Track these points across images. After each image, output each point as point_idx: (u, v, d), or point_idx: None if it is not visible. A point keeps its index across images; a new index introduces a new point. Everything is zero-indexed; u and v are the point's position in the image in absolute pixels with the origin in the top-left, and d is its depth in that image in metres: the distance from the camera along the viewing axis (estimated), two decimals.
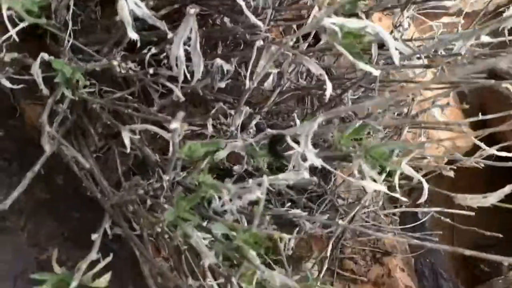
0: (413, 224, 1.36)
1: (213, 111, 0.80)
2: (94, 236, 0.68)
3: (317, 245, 1.28)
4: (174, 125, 0.48)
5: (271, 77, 0.78)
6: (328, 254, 1.02)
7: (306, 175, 0.60)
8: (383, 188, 0.68)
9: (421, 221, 1.39)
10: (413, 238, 1.31)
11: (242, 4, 0.65)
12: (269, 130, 0.66)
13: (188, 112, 1.26)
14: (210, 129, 0.85)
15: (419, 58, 1.01)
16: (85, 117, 0.85)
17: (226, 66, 0.79)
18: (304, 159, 0.67)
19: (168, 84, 0.63)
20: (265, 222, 0.57)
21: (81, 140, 0.82)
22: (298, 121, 0.93)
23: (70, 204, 0.83)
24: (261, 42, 0.82)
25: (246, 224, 0.66)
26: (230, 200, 0.64)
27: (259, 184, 0.59)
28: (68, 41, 0.74)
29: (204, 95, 1.05)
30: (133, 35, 0.63)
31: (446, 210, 1.25)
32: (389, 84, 1.17)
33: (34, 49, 0.93)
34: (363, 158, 0.64)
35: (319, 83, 1.21)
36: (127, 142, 0.65)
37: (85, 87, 0.76)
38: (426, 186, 0.68)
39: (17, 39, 0.59)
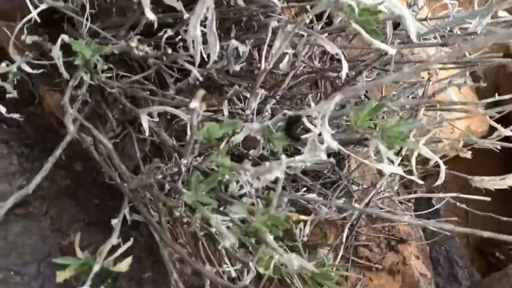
0: (427, 211, 1.35)
1: (228, 94, 0.80)
2: (114, 222, 0.69)
3: (331, 232, 1.28)
4: (194, 104, 0.49)
5: (286, 58, 0.78)
6: (343, 241, 1.02)
7: (323, 156, 0.59)
8: (400, 170, 0.67)
9: (436, 207, 1.39)
10: (428, 226, 1.30)
11: None
12: (285, 111, 0.66)
13: (203, 98, 1.27)
14: (226, 112, 0.85)
15: (434, 38, 1.01)
16: (103, 102, 0.86)
17: (242, 48, 0.79)
18: (321, 141, 0.67)
19: (186, 64, 0.63)
20: (283, 204, 0.56)
21: (99, 126, 0.82)
22: (313, 105, 0.93)
23: (90, 191, 0.84)
24: (276, 23, 0.81)
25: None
26: (249, 182, 0.65)
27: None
28: (86, 25, 0.74)
29: (218, 80, 1.05)
30: (150, 15, 0.63)
31: (461, 195, 1.24)
32: (404, 66, 1.16)
33: (52, 35, 0.94)
34: (380, 139, 0.64)
35: (333, 66, 1.21)
36: (145, 125, 0.65)
37: (102, 71, 0.76)
38: (443, 167, 0.68)
39: (38, 20, 0.60)
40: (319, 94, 1.18)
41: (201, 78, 0.63)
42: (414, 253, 1.42)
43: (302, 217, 0.55)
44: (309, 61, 1.02)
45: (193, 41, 0.66)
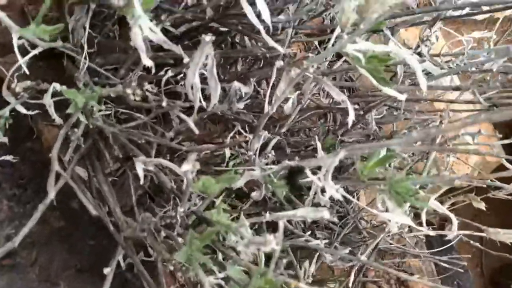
0: (440, 248, 1.30)
1: (228, 138, 0.77)
2: (106, 270, 0.66)
3: (339, 267, 1.23)
4: (186, 167, 0.46)
5: (290, 101, 0.74)
6: (351, 279, 0.98)
7: (326, 214, 0.56)
8: (409, 221, 0.63)
9: (449, 244, 1.33)
10: (440, 262, 1.25)
11: (261, 28, 0.62)
12: (287, 162, 0.62)
13: (208, 130, 1.24)
14: (227, 154, 0.82)
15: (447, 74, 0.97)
16: (101, 140, 0.83)
17: (244, 89, 0.76)
18: (324, 190, 0.64)
19: (183, 116, 0.60)
20: (281, 266, 0.53)
21: (96, 164, 0.80)
22: (319, 144, 0.90)
23: (85, 231, 0.81)
24: (281, 63, 0.78)
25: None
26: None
27: (274, 223, 0.56)
28: (84, 64, 0.72)
29: (223, 114, 1.02)
30: (147, 62, 0.60)
31: (474, 233, 1.19)
32: (416, 102, 1.12)
33: (52, 69, 0.92)
34: (388, 193, 0.60)
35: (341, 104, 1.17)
36: (140, 173, 0.63)
37: (100, 110, 0.74)
38: (455, 222, 0.64)
39: (26, 71, 0.58)
40: (328, 127, 1.14)
41: (197, 131, 0.60)
42: None
43: (301, 285, 0.51)
44: (316, 97, 0.99)
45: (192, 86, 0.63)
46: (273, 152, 0.81)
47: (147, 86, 0.84)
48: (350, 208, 1.20)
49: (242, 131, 0.78)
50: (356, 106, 1.01)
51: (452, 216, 0.65)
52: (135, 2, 0.52)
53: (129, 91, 0.60)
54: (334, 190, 0.61)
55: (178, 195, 0.74)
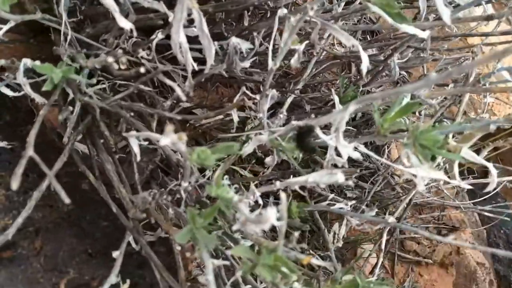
0: (483, 198, 1.20)
1: (235, 101, 0.70)
2: (115, 254, 0.62)
3: (366, 230, 1.16)
4: (164, 141, 0.39)
5: (296, 54, 0.66)
6: (383, 241, 0.91)
7: (341, 178, 0.49)
8: (441, 175, 0.55)
9: (493, 192, 1.23)
10: (483, 211, 1.16)
11: None
12: (294, 122, 0.55)
13: (220, 94, 1.18)
14: (235, 118, 0.75)
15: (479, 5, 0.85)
16: (102, 116, 0.78)
17: (244, 45, 0.68)
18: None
19: (169, 82, 0.54)
20: (294, 241, 0.46)
21: (97, 141, 0.75)
22: (336, 98, 0.81)
23: (96, 213, 0.78)
24: (284, 11, 0.69)
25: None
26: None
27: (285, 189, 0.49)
28: (66, 35, 0.66)
29: (232, 76, 0.95)
30: (125, 24, 0.54)
31: None
32: (445, 40, 1.00)
33: (44, 44, 0.87)
34: (412, 147, 0.52)
35: (364, 47, 1.07)
36: (135, 149, 0.57)
37: (92, 85, 0.68)
38: (494, 173, 0.55)
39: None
40: (350, 78, 1.05)
41: (185, 98, 0.54)
42: (470, 241, 1.29)
43: (314, 260, 0.45)
44: (331, 47, 0.89)
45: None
46: (285, 112, 0.73)
47: (142, 53, 0.77)
48: (380, 164, 1.12)
49: (248, 92, 0.71)
50: (375, 52, 0.91)
51: (490, 166, 0.56)
52: None
53: (110, 59, 0.53)
54: (349, 149, 0.54)
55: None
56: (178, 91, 0.51)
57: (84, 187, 0.83)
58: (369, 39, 1.18)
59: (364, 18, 1.15)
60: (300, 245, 0.48)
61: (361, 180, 1.17)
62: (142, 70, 0.50)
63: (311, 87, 1.16)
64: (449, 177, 0.60)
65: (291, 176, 0.83)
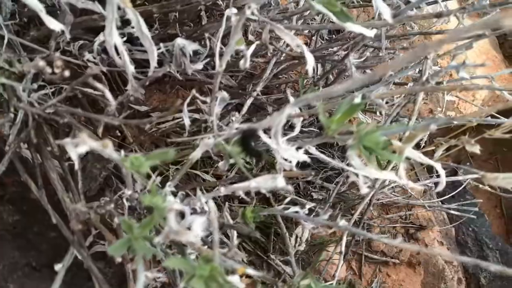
0: (451, 194, 1.20)
1: (185, 102, 0.68)
2: (57, 267, 0.59)
3: (321, 234, 1.15)
4: (81, 149, 0.37)
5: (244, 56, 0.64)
6: (346, 238, 0.89)
7: (280, 183, 0.47)
8: (388, 176, 0.54)
9: (461, 187, 1.24)
10: (449, 209, 1.16)
11: None
12: (237, 126, 0.53)
13: (181, 96, 1.15)
14: (187, 122, 0.73)
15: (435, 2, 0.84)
16: (49, 123, 0.75)
17: (191, 47, 0.66)
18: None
19: (98, 85, 0.51)
20: (232, 249, 0.44)
21: (42, 148, 0.72)
22: (291, 98, 0.80)
23: (45, 223, 0.74)
24: (234, 11, 0.67)
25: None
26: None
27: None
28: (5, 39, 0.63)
29: (191, 79, 0.93)
30: (55, 26, 0.51)
31: (482, 173, 1.09)
32: (405, 38, 1.00)
33: None
34: (357, 148, 0.50)
35: (324, 47, 1.05)
36: (74, 157, 0.54)
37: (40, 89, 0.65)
38: (443, 175, 0.54)
39: None
40: (313, 78, 1.03)
41: (114, 105, 0.51)
42: (438, 239, 1.29)
43: (250, 271, 0.43)
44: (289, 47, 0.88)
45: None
46: (237, 114, 0.71)
47: (87, 55, 0.75)
48: (346, 163, 1.10)
49: (197, 94, 0.68)
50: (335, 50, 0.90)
51: (438, 166, 0.55)
52: None
53: (41, 63, 0.51)
54: (294, 152, 0.52)
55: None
56: (107, 94, 0.49)
57: (33, 197, 0.79)
58: (330, 38, 1.17)
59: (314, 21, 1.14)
60: (241, 253, 0.46)
61: (328, 181, 1.16)
62: (66, 73, 0.47)
63: (276, 87, 1.15)
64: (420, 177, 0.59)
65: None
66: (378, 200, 1.12)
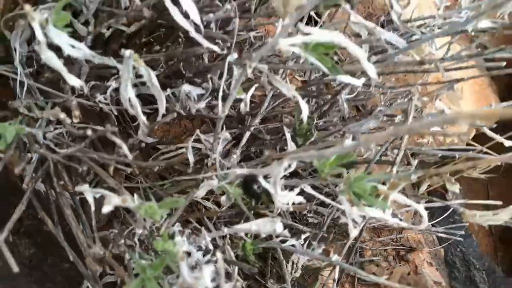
0: (441, 218, 1.26)
1: (190, 141, 0.74)
2: None
3: (335, 251, 1.21)
4: (107, 208, 0.43)
5: (243, 103, 0.70)
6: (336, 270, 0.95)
7: (279, 227, 0.53)
8: (379, 214, 0.60)
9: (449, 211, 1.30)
10: (437, 232, 1.22)
11: (191, 29, 0.58)
12: (238, 171, 0.59)
13: (183, 126, 1.21)
14: (191, 159, 0.79)
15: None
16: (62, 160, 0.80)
17: (196, 91, 0.72)
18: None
19: (115, 139, 0.57)
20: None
21: (56, 185, 0.77)
22: (287, 134, 0.86)
23: (59, 254, 0.79)
24: (235, 56, 0.74)
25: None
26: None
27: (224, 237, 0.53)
28: (22, 87, 0.68)
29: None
30: (75, 82, 0.56)
31: (469, 201, 1.15)
32: (393, 74, 1.06)
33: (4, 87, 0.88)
34: (346, 193, 0.56)
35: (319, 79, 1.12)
36: (90, 200, 0.60)
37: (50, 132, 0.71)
38: (425, 215, 0.60)
39: None
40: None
41: (131, 157, 0.57)
42: (427, 260, 1.34)
43: None
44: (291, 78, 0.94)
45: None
46: (238, 152, 0.77)
47: (99, 97, 0.80)
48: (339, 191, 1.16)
49: (201, 135, 0.74)
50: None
51: (420, 208, 0.61)
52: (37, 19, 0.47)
53: (62, 116, 0.56)
54: (290, 196, 0.58)
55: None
56: (126, 151, 0.54)
57: (46, 229, 0.84)
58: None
59: None
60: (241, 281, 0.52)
61: (323, 205, 1.21)
62: (89, 132, 0.53)
63: (273, 117, 1.21)
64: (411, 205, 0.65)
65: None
66: (370, 224, 1.18)
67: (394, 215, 1.22)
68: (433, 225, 1.35)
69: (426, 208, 1.42)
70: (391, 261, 1.25)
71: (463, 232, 1.19)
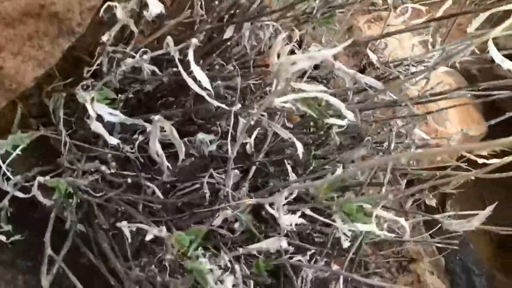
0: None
1: (205, 179, 0.87)
2: None
3: (340, 265, 1.32)
4: (149, 236, 0.56)
5: (248, 144, 0.84)
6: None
7: (284, 244, 0.66)
8: (372, 228, 0.73)
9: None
10: (434, 243, 1.33)
11: (204, 94, 0.72)
12: (247, 201, 0.72)
13: (196, 164, 1.34)
14: (207, 195, 0.92)
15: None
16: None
17: (208, 138, 0.86)
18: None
19: (150, 184, 0.70)
20: None
21: (93, 222, 0.90)
22: (289, 167, 0.99)
23: (98, 285, 0.91)
24: (238, 106, 0.88)
25: None
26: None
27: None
28: (65, 145, 0.82)
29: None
30: (113, 141, 0.70)
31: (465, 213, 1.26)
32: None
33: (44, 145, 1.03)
34: (338, 214, 0.69)
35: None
36: (127, 233, 0.73)
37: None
38: (407, 228, 0.72)
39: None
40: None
41: (161, 197, 0.71)
42: (428, 269, 1.45)
43: None
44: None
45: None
46: (247, 185, 0.91)
47: (126, 147, 0.95)
48: None
49: (214, 173, 0.88)
50: None
51: (403, 222, 0.74)
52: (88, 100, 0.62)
53: (103, 168, 0.70)
54: (292, 220, 0.71)
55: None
56: (158, 192, 0.68)
57: (82, 261, 0.97)
58: None
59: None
60: None
61: (326, 224, 1.33)
62: (129, 180, 0.67)
63: (275, 150, 1.35)
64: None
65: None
66: (370, 239, 1.30)
67: (391, 230, 1.34)
68: (431, 236, 1.46)
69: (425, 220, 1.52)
70: (394, 272, 1.36)
71: (456, 241, 1.30)
